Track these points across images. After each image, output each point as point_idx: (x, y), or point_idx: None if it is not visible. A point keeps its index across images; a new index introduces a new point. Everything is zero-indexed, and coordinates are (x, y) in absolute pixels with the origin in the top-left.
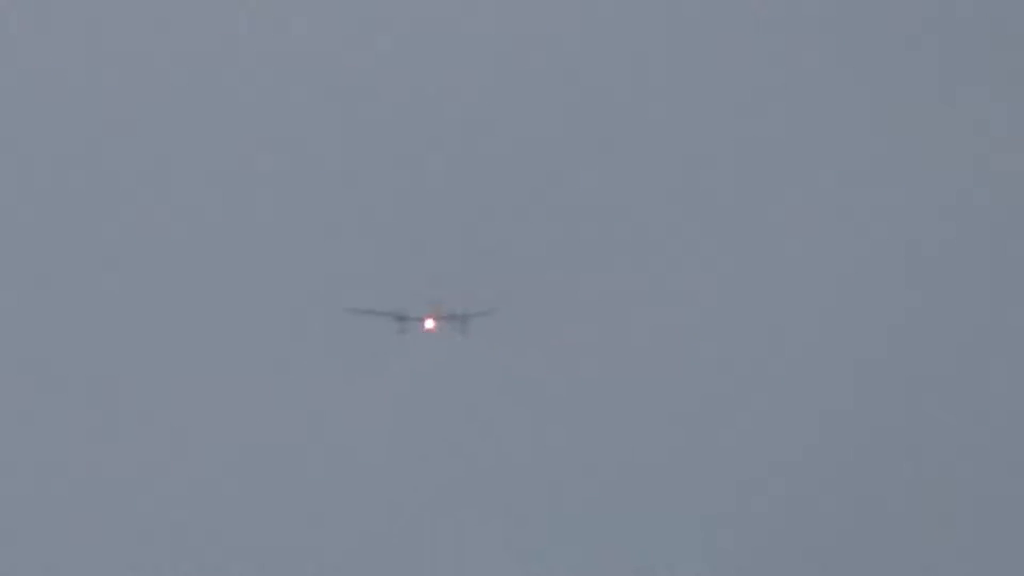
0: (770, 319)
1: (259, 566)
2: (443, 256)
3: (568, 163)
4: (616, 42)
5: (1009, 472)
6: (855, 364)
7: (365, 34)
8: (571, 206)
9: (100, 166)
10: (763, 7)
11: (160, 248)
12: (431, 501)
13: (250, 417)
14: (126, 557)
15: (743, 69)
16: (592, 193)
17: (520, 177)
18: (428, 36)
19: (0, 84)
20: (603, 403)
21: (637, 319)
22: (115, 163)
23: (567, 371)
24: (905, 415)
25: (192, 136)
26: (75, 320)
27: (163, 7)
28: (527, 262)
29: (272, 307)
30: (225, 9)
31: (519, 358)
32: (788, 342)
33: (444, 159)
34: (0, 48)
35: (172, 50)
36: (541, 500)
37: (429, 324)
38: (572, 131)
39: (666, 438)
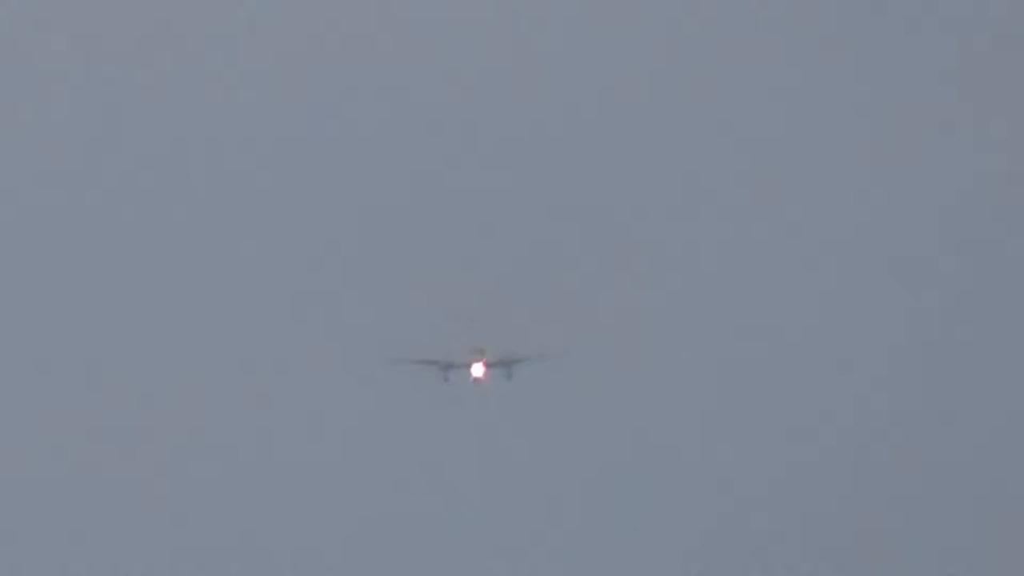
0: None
1: None
2: (486, 299)
3: (613, 201)
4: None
5: (1009, 472)
6: (871, 371)
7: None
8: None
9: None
10: (765, 9)
11: (201, 313)
12: (482, 556)
13: (295, 473)
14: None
15: (746, 71)
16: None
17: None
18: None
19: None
20: (654, 454)
21: (690, 361)
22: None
23: (619, 420)
24: (907, 416)
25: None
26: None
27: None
28: (573, 304)
29: (313, 361)
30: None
31: (567, 405)
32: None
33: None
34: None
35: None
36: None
37: (477, 371)
38: (619, 167)
39: (727, 491)
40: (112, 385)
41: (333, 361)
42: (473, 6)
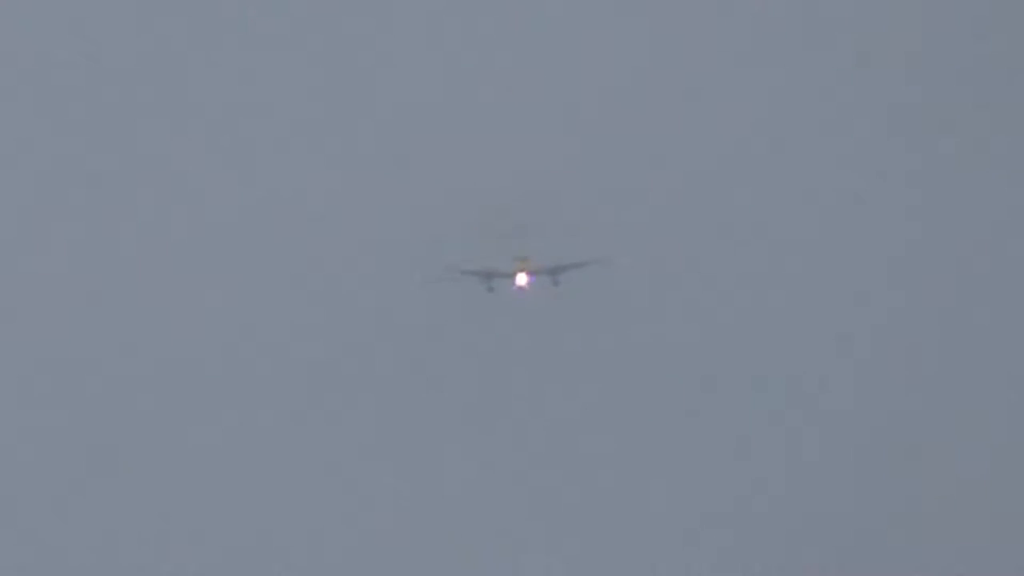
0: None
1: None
2: (529, 208)
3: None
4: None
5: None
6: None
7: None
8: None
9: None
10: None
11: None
12: (528, 466)
13: (339, 381)
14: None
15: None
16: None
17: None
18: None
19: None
20: (700, 365)
21: (738, 264)
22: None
23: (667, 328)
24: (911, 419)
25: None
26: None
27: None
28: (620, 209)
29: (353, 275)
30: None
31: (614, 313)
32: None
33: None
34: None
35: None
36: (639, 466)
37: (521, 280)
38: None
39: (775, 407)
40: (146, 297)
41: (370, 273)
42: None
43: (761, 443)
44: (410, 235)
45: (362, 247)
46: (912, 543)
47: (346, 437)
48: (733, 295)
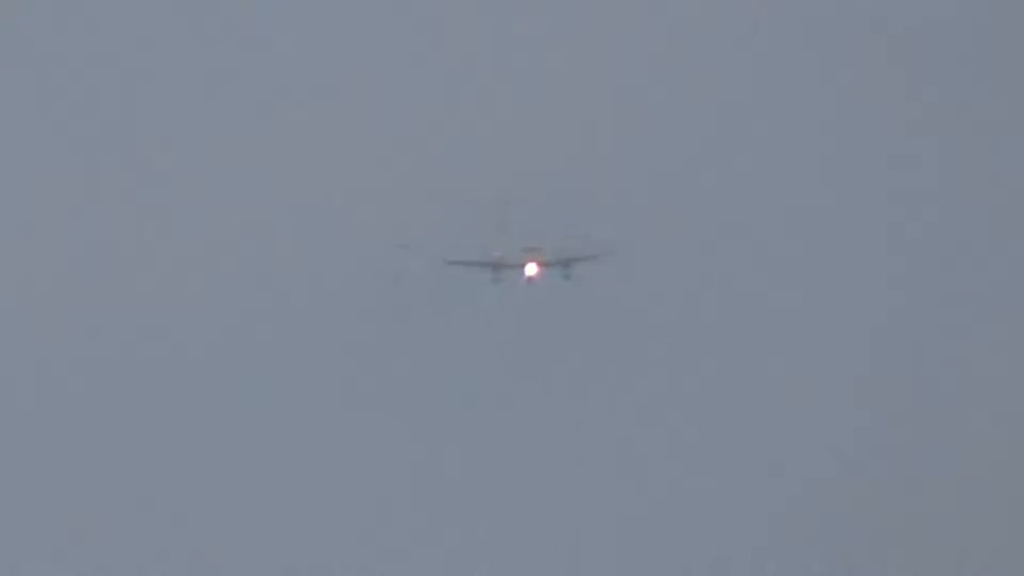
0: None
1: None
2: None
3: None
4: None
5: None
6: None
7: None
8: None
9: None
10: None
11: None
12: (536, 462)
13: (340, 379)
14: None
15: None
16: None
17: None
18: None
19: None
20: (719, 358)
21: (755, 257)
22: None
23: (682, 320)
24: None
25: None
26: None
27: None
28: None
29: (360, 264)
30: None
31: (628, 306)
32: None
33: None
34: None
35: None
36: (652, 461)
37: (530, 271)
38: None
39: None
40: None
41: (377, 262)
42: None
43: (768, 439)
44: (414, 225)
45: (366, 237)
46: (911, 545)
47: (346, 432)
48: (742, 293)
